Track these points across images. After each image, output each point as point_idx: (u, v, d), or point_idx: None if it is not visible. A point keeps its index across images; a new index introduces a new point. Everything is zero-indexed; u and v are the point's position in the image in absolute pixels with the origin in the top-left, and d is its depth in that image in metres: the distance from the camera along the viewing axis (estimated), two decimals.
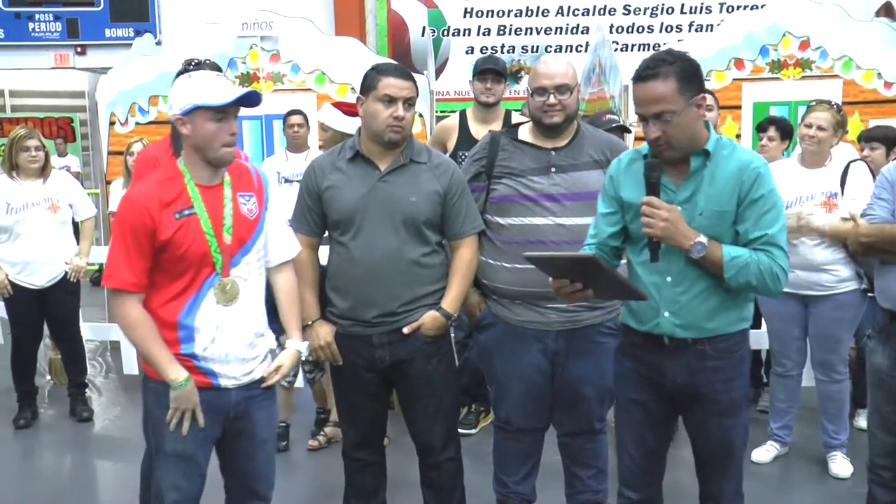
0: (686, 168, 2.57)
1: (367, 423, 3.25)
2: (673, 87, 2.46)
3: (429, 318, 3.08)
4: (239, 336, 2.67)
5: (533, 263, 2.62)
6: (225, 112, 2.57)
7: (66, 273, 5.17)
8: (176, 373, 2.58)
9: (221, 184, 2.68)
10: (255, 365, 2.75)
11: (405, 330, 3.07)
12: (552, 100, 3.08)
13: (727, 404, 2.66)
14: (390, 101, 2.98)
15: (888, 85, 6.38)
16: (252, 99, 2.62)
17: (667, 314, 2.60)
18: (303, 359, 2.94)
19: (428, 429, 3.20)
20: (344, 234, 3.08)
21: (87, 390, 5.58)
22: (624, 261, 2.81)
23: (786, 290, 4.18)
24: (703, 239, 2.49)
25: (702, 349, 2.61)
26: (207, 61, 3.30)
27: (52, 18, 10.58)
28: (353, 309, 3.09)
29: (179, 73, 3.24)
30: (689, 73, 2.49)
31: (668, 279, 2.59)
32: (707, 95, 4.69)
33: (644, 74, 2.49)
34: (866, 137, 4.98)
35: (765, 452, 4.45)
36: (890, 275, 3.02)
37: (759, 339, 5.15)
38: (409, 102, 3.02)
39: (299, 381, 4.95)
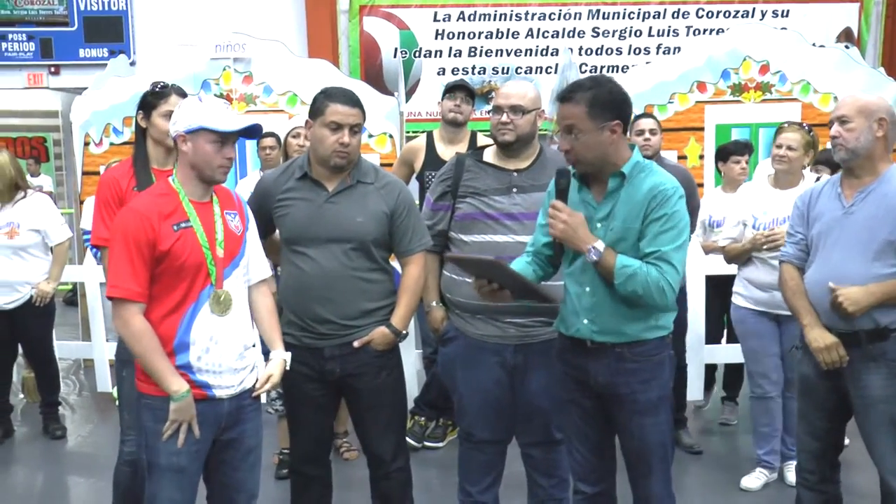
0: (606, 187, 2.78)
1: (313, 435, 3.32)
2: (583, 111, 2.69)
3: (378, 334, 3.18)
4: (231, 347, 2.77)
5: (454, 264, 2.86)
6: (226, 138, 2.71)
7: (32, 297, 5.11)
8: (178, 384, 2.65)
9: (210, 201, 2.80)
10: (246, 375, 2.85)
11: (355, 344, 3.16)
12: (504, 118, 3.21)
13: (644, 404, 2.83)
14: (337, 127, 3.07)
15: None
16: (253, 131, 2.78)
17: (585, 321, 2.80)
18: (287, 367, 3.00)
19: (378, 440, 3.28)
20: (294, 251, 3.18)
21: (59, 408, 5.59)
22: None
23: (761, 308, 4.23)
24: (599, 245, 2.68)
25: (620, 352, 2.79)
26: (174, 85, 3.36)
27: (25, 38, 10.56)
28: (304, 322, 3.18)
29: (146, 94, 3.33)
30: (601, 101, 2.70)
31: (587, 289, 2.79)
32: (644, 121, 4.81)
33: (563, 96, 2.74)
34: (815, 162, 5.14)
35: (754, 480, 4.41)
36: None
37: (714, 353, 5.29)
38: (355, 129, 3.10)
39: None
